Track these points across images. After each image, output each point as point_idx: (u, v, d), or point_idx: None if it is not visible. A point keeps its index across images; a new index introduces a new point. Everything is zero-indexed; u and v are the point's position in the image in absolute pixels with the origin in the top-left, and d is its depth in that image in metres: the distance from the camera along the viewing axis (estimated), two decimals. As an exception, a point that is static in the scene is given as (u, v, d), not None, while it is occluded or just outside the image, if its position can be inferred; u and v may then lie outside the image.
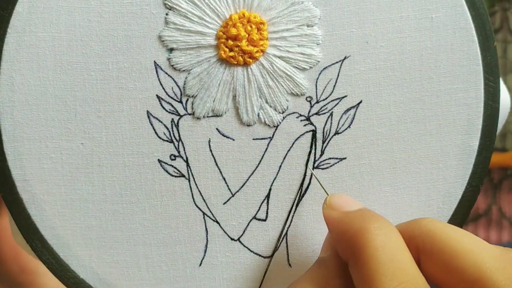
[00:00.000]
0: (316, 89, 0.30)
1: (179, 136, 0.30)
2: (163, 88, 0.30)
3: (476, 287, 0.22)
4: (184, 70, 0.30)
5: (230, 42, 0.29)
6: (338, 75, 0.30)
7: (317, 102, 0.30)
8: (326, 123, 0.30)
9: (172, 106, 0.30)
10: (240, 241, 0.31)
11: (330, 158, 0.31)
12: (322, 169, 0.31)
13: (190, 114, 0.30)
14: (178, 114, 0.30)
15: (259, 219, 0.31)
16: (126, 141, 0.30)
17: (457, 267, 0.23)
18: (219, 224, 0.31)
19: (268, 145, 0.30)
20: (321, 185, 0.30)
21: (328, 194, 0.29)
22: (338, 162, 0.31)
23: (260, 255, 0.31)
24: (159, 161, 0.30)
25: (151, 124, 0.30)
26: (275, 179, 0.31)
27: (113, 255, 0.31)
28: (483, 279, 0.22)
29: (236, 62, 0.29)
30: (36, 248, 0.30)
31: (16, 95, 0.29)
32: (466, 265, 0.23)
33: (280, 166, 0.31)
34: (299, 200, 0.31)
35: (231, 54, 0.29)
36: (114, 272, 0.31)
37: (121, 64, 0.29)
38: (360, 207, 0.27)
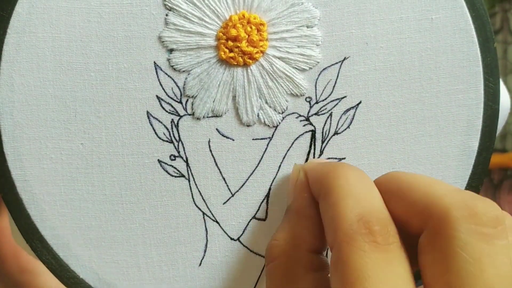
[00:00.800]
0: (316, 89, 0.30)
1: (179, 136, 0.30)
2: (163, 88, 0.30)
3: (426, 212, 0.22)
4: (184, 71, 0.30)
5: (230, 43, 0.29)
6: (337, 76, 0.30)
7: (317, 102, 0.30)
8: (325, 123, 0.30)
9: (172, 106, 0.30)
10: (240, 241, 0.31)
11: (329, 158, 0.31)
12: (321, 169, 0.31)
13: (190, 115, 0.30)
14: (178, 115, 0.30)
15: (258, 219, 0.31)
16: (126, 141, 0.30)
17: (410, 199, 0.23)
18: (219, 224, 0.31)
19: (267, 145, 0.31)
20: None
21: None
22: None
23: (260, 255, 0.31)
24: (159, 161, 0.30)
25: (151, 125, 0.30)
26: (274, 178, 0.31)
27: (113, 255, 0.31)
28: (431, 205, 0.22)
29: (236, 63, 0.29)
30: (36, 248, 0.30)
31: (16, 96, 0.29)
32: (418, 196, 0.23)
33: (280, 166, 0.31)
34: (299, 200, 0.31)
35: (231, 55, 0.29)
36: (114, 272, 0.31)
37: (121, 64, 0.29)
38: None
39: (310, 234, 0.26)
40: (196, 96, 0.30)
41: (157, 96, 0.30)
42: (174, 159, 0.30)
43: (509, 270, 0.20)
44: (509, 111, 0.40)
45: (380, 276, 0.20)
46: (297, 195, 0.28)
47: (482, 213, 0.20)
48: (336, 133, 0.30)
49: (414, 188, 0.23)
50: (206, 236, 0.31)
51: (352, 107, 0.30)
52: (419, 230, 0.22)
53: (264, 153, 0.31)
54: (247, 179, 0.31)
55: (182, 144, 0.30)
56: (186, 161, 0.30)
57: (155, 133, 0.30)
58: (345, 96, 0.30)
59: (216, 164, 0.31)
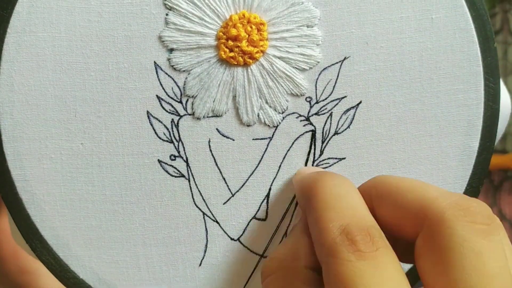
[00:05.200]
0: (316, 89, 0.30)
1: (179, 136, 0.30)
2: (163, 88, 0.30)
3: (421, 215, 0.22)
4: (184, 71, 0.30)
5: (230, 42, 0.29)
6: (337, 76, 0.30)
7: (317, 102, 0.30)
8: (325, 123, 0.30)
9: (172, 106, 0.30)
10: (240, 241, 0.31)
11: (329, 158, 0.31)
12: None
13: (190, 115, 0.30)
14: (178, 115, 0.30)
15: (259, 219, 0.31)
16: (126, 141, 0.30)
17: (402, 203, 0.23)
18: (219, 224, 0.31)
19: (268, 145, 0.31)
20: None
21: None
22: (337, 162, 0.31)
23: (260, 255, 0.31)
24: (159, 161, 0.30)
25: (151, 124, 0.30)
26: (274, 179, 0.31)
27: (113, 255, 0.31)
28: (426, 207, 0.22)
29: (236, 63, 0.29)
30: (36, 248, 0.30)
31: (16, 95, 0.29)
32: (410, 199, 0.23)
33: (280, 166, 0.31)
34: (299, 200, 0.31)
35: (231, 54, 0.29)
36: (114, 272, 0.31)
37: (121, 64, 0.29)
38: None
39: (310, 250, 0.25)
40: (196, 96, 0.30)
41: (157, 95, 0.30)
42: (174, 159, 0.30)
43: (505, 263, 0.21)
44: (510, 112, 0.40)
45: (370, 283, 0.20)
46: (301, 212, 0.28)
47: (476, 211, 0.21)
48: (336, 133, 0.30)
49: (405, 191, 0.23)
50: (206, 236, 0.31)
51: (352, 107, 0.30)
52: (413, 233, 0.23)
53: (264, 153, 0.31)
54: (247, 179, 0.31)
55: (182, 144, 0.30)
56: (186, 161, 0.30)
57: (155, 133, 0.30)
58: (345, 96, 0.30)
59: (216, 164, 0.31)
